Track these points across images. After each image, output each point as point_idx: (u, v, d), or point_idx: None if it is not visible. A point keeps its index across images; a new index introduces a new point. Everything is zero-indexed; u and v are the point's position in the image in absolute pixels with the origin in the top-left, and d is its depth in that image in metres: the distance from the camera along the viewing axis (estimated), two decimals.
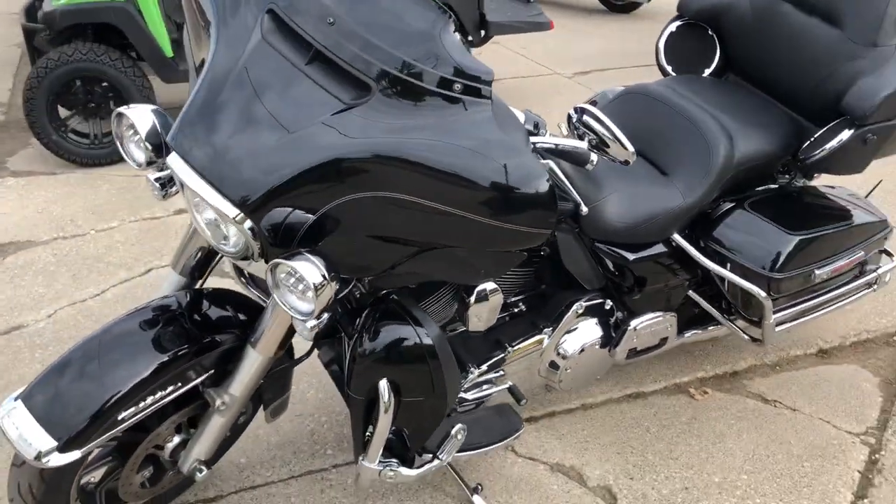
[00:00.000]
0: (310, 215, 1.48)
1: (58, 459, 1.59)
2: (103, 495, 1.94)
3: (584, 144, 1.64)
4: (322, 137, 1.45)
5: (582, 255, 2.20)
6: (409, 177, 1.48)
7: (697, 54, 2.67)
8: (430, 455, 1.98)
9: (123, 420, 1.67)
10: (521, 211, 1.60)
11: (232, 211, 1.45)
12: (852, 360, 2.96)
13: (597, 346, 2.30)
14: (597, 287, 2.29)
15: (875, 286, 2.73)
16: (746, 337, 2.52)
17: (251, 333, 1.78)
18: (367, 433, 1.88)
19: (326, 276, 1.45)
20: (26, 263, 3.27)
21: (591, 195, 2.08)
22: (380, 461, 1.90)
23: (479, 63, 1.53)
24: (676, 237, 2.27)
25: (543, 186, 1.59)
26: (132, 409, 1.68)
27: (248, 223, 1.46)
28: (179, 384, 1.76)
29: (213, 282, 1.99)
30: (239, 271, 2.11)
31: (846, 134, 2.26)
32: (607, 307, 2.31)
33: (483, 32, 4.77)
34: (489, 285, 1.95)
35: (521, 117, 1.68)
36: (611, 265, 2.24)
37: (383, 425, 1.81)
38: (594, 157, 1.66)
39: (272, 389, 1.99)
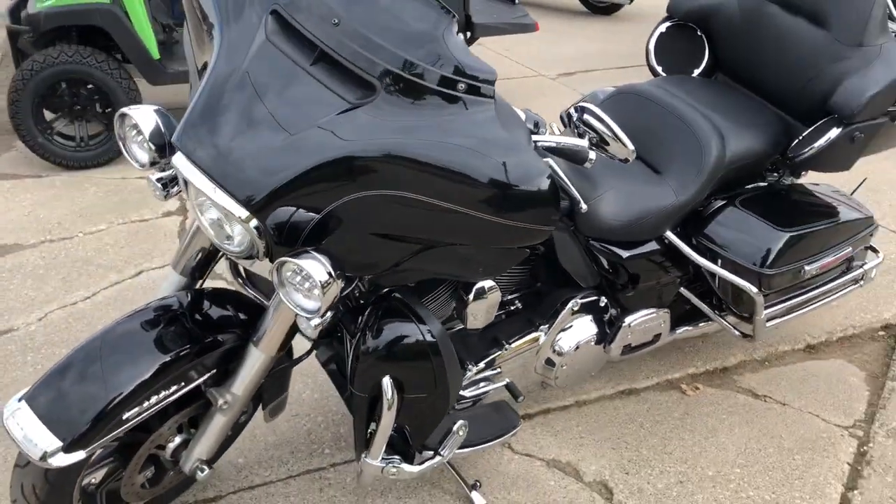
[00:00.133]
0: (315, 214, 1.49)
1: (62, 459, 1.59)
2: (104, 496, 1.94)
3: (584, 143, 1.67)
4: (327, 137, 1.46)
5: (577, 252, 2.23)
6: (414, 175, 1.50)
7: (687, 55, 2.71)
8: (432, 452, 2.00)
9: (127, 420, 1.68)
10: (524, 208, 1.62)
11: (238, 210, 1.46)
12: (839, 354, 3.01)
13: (592, 343, 2.32)
14: (591, 285, 2.32)
15: (861, 282, 2.78)
16: (737, 333, 2.56)
17: (253, 332, 1.79)
18: (370, 430, 1.90)
19: (332, 273, 1.47)
20: (14, 267, 3.25)
21: (586, 193, 2.10)
22: (382, 458, 1.92)
23: (483, 63, 1.56)
24: (669, 235, 2.31)
25: (545, 184, 1.62)
26: (136, 410, 1.69)
27: (254, 222, 1.47)
28: (182, 384, 1.77)
29: (205, 284, 2.00)
30: (236, 272, 2.12)
31: (834, 132, 2.31)
32: (602, 304, 2.34)
33: (469, 34, 4.79)
34: (487, 283, 1.97)
35: (522, 116, 1.71)
36: (605, 263, 2.27)
37: (386, 422, 1.82)
38: (592, 155, 1.69)
39: (271, 389, 2.00)
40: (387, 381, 1.78)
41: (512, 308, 2.32)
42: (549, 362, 2.30)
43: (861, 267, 2.76)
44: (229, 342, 1.81)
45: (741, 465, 2.44)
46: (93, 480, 1.91)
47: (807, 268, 2.45)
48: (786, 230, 2.35)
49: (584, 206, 1.92)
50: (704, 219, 2.38)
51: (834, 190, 2.72)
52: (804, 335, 3.07)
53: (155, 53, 4.08)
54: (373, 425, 1.88)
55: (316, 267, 1.46)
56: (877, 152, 2.55)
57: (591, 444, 2.49)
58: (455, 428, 1.99)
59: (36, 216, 3.65)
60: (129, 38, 3.98)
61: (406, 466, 1.96)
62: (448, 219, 1.57)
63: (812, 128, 2.36)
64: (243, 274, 2.11)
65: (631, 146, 1.67)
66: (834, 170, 2.48)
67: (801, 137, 2.38)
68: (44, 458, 1.58)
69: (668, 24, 2.74)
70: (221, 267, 2.08)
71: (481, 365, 2.17)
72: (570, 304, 2.26)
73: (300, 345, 1.90)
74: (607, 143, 1.67)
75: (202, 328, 1.79)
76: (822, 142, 2.32)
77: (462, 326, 2.06)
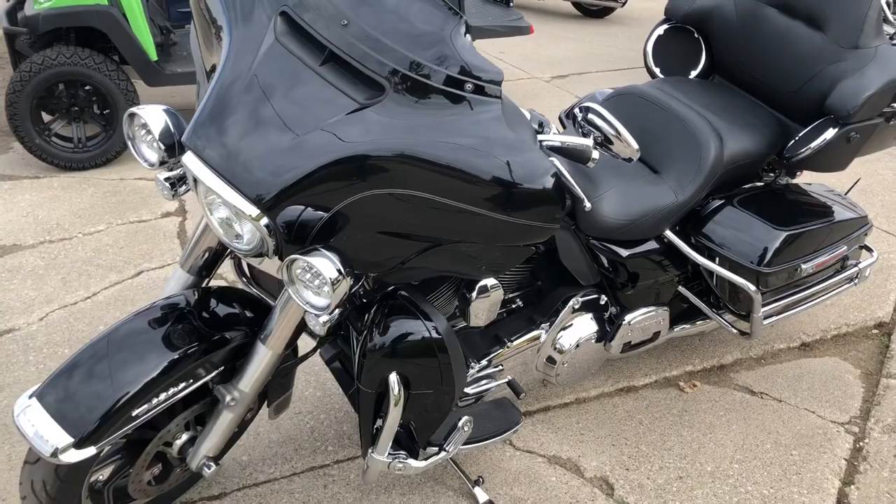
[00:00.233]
0: (324, 213, 1.51)
1: (74, 456, 1.61)
2: (111, 493, 1.95)
3: (589, 142, 1.69)
4: (336, 136, 1.48)
5: (578, 251, 2.25)
6: (422, 174, 1.52)
7: (684, 57, 2.74)
8: (437, 448, 2.02)
9: (137, 417, 1.70)
10: (530, 206, 1.65)
11: (249, 208, 1.47)
12: (833, 352, 3.05)
13: (592, 341, 2.35)
14: (592, 283, 2.35)
15: (856, 281, 2.81)
16: (734, 330, 2.59)
17: (261, 330, 1.81)
18: (375, 426, 1.92)
19: (342, 270, 1.49)
20: (14, 267, 3.26)
21: (588, 193, 2.12)
22: (389, 453, 1.94)
23: (490, 63, 1.58)
24: (668, 234, 2.34)
25: (551, 182, 1.64)
26: (145, 406, 1.71)
27: (265, 220, 1.48)
28: (190, 381, 1.79)
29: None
30: (240, 271, 2.14)
31: (831, 132, 2.34)
32: (602, 302, 2.37)
33: None
34: (490, 281, 2.00)
35: (528, 116, 1.73)
36: (605, 261, 2.30)
37: (393, 418, 1.84)
38: (595, 155, 1.71)
39: (276, 387, 2.01)
40: (394, 378, 1.80)
41: (513, 306, 2.34)
42: (551, 360, 2.32)
43: (856, 266, 2.80)
44: (236, 339, 1.84)
45: (739, 461, 2.47)
46: (100, 477, 1.92)
47: (803, 266, 2.49)
48: (783, 229, 2.38)
49: (588, 205, 1.94)
50: (703, 218, 2.42)
51: (829, 190, 2.76)
52: (799, 333, 3.11)
53: (153, 55, 4.09)
54: (379, 421, 1.91)
55: (326, 264, 1.48)
56: (871, 153, 2.59)
57: (592, 440, 2.52)
58: (460, 424, 2.01)
59: (34, 217, 3.65)
60: (127, 40, 3.98)
61: (412, 462, 1.98)
62: (455, 217, 1.59)
63: (808, 128, 2.40)
64: (247, 273, 2.13)
65: (635, 145, 1.70)
66: (830, 170, 2.51)
67: (797, 137, 2.42)
68: (55, 454, 1.59)
69: (665, 26, 2.77)
70: (230, 266, 2.10)
71: (483, 362, 2.19)
72: (570, 303, 2.29)
73: (304, 343, 1.92)
74: (611, 143, 1.70)
75: (209, 326, 1.81)
76: (818, 142, 2.36)
77: (464, 324, 2.09)
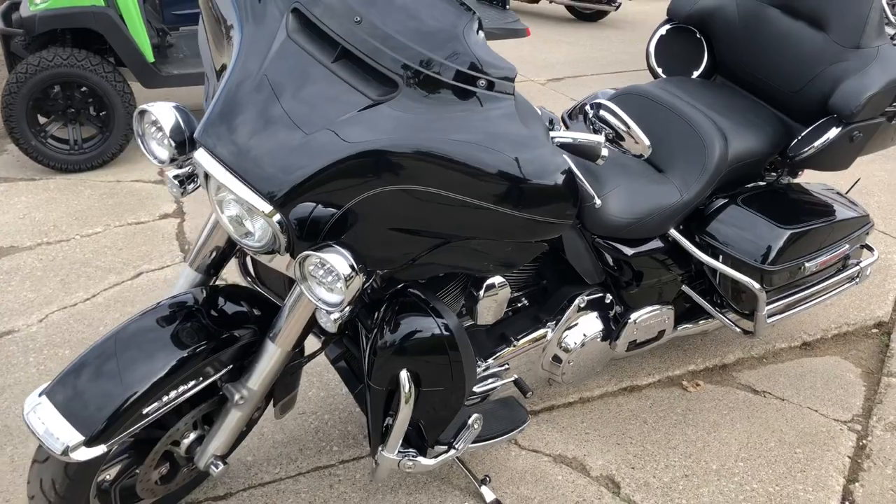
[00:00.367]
0: (336, 209, 1.50)
1: (84, 454, 1.60)
2: (118, 493, 1.94)
3: (601, 138, 1.69)
4: (350, 132, 1.48)
5: (584, 249, 2.26)
6: (435, 170, 1.52)
7: (686, 57, 2.75)
8: (446, 445, 2.01)
9: (147, 415, 1.69)
10: (543, 202, 1.65)
11: (262, 205, 1.46)
12: (834, 351, 3.07)
13: (598, 340, 2.35)
14: (597, 282, 2.35)
15: (857, 279, 2.83)
16: (738, 329, 2.60)
17: (270, 328, 1.80)
18: (385, 424, 1.91)
19: (355, 267, 1.49)
20: (12, 269, 3.23)
21: (595, 191, 2.13)
22: (399, 451, 1.93)
23: (503, 60, 1.58)
24: (673, 232, 2.35)
25: (563, 179, 1.64)
26: (155, 405, 1.70)
27: (277, 217, 1.48)
28: (199, 379, 1.78)
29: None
30: (245, 271, 2.13)
31: (834, 132, 2.36)
32: (607, 301, 2.37)
33: None
34: (497, 279, 2.00)
35: (539, 113, 1.73)
36: (610, 260, 2.30)
37: (404, 416, 1.84)
38: (605, 152, 1.72)
39: (283, 386, 2.01)
40: (404, 375, 1.80)
41: (519, 305, 2.34)
42: (556, 359, 2.32)
43: (857, 265, 2.81)
44: (245, 338, 1.83)
45: (744, 459, 2.48)
46: (107, 477, 1.91)
47: (806, 265, 2.50)
48: (787, 227, 2.39)
49: (598, 202, 1.95)
50: (707, 217, 2.42)
51: (830, 189, 2.78)
52: (800, 333, 3.12)
53: (149, 56, 4.08)
54: (388, 419, 1.90)
55: (339, 260, 1.48)
56: (873, 152, 2.61)
57: (597, 439, 2.52)
58: (470, 422, 2.01)
59: (31, 219, 3.63)
60: (124, 42, 3.97)
61: (422, 460, 1.97)
62: (468, 213, 1.59)
63: (812, 127, 2.42)
64: (252, 272, 2.13)
65: (647, 141, 1.70)
66: (833, 168, 2.53)
67: (800, 137, 2.43)
68: (66, 452, 1.58)
69: (668, 26, 2.78)
70: (235, 266, 2.09)
71: (490, 361, 2.19)
72: (576, 302, 2.29)
73: (308, 344, 1.91)
74: (622, 139, 1.71)
75: (218, 324, 1.80)
76: (821, 141, 2.37)
77: (471, 323, 2.09)
